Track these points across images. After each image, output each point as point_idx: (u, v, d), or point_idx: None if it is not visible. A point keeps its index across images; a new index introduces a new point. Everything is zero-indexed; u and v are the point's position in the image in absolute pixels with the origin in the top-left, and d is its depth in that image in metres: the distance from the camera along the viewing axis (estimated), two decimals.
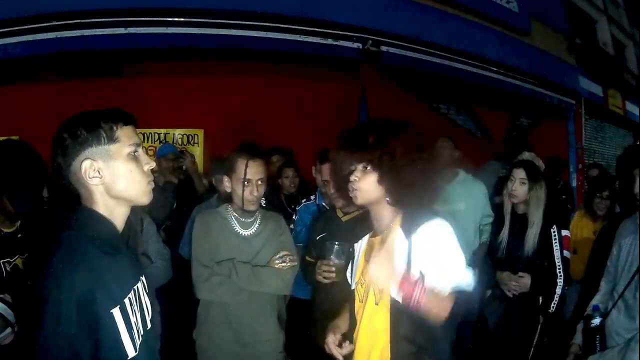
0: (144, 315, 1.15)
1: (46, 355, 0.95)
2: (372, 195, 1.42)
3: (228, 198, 2.10)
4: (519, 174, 2.55)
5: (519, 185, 2.54)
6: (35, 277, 1.00)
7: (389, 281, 1.33)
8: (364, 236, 1.60)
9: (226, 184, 2.03)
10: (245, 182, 1.96)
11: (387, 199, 1.42)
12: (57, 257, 1.00)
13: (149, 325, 1.17)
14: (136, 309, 1.10)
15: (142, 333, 1.11)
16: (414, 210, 1.43)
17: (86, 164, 1.07)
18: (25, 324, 1.02)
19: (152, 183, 1.16)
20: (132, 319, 1.07)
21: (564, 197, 4.49)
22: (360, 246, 1.60)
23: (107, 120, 1.10)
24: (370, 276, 1.37)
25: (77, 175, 1.08)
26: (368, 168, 1.40)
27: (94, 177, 1.08)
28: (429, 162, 1.41)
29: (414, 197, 1.39)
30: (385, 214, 1.47)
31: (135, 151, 1.13)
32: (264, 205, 2.14)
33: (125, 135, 1.11)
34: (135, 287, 1.13)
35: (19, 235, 1.88)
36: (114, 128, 1.10)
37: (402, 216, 1.44)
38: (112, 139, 1.09)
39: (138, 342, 1.07)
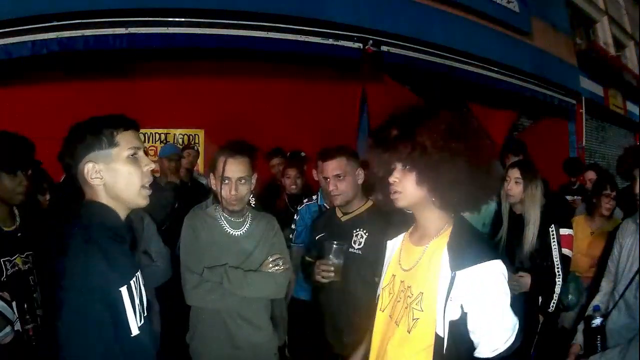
0: (142, 301, 1.24)
1: (74, 328, 1.06)
2: (414, 197, 1.24)
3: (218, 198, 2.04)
4: (514, 173, 2.57)
5: (514, 185, 2.56)
6: (50, 266, 1.13)
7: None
8: (395, 236, 1.43)
9: (212, 182, 1.99)
10: (225, 180, 1.91)
11: (433, 199, 1.23)
12: (75, 242, 1.12)
13: (145, 314, 1.25)
14: (139, 293, 1.21)
15: (144, 315, 1.21)
16: (466, 230, 1.24)
17: (88, 166, 1.20)
18: (46, 308, 1.20)
19: (148, 187, 1.25)
20: (136, 301, 1.18)
21: (579, 198, 4.47)
22: (394, 246, 1.42)
23: (108, 126, 1.21)
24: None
25: (81, 175, 1.21)
26: (407, 167, 1.22)
27: (95, 178, 1.20)
28: (473, 149, 1.19)
29: (464, 195, 1.19)
30: (433, 219, 1.27)
31: (135, 154, 1.23)
32: (253, 205, 2.09)
33: (125, 140, 1.22)
34: (137, 274, 1.23)
35: (19, 234, 1.88)
36: (114, 133, 1.21)
37: (452, 233, 1.24)
38: (112, 144, 1.21)
39: (139, 323, 1.17)
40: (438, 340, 1.18)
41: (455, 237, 1.23)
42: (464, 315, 1.17)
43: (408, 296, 1.26)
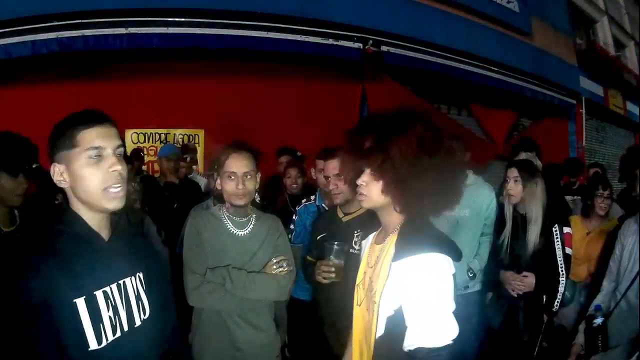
0: (131, 312, 1.16)
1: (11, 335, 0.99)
2: (378, 202, 1.29)
3: (221, 198, 2.01)
4: (512, 172, 2.57)
5: (513, 184, 2.55)
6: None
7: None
8: (369, 234, 1.49)
9: (217, 181, 1.97)
10: (231, 176, 1.90)
11: (394, 206, 1.27)
12: (24, 250, 1.07)
13: (138, 323, 1.17)
14: (118, 303, 1.12)
15: (125, 329, 1.12)
16: (414, 228, 1.25)
17: (54, 169, 1.13)
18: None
19: (118, 188, 1.13)
20: (107, 313, 1.08)
21: (579, 198, 4.47)
22: (365, 245, 1.49)
23: (69, 125, 1.12)
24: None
25: (52, 177, 1.14)
26: (375, 174, 1.25)
27: (60, 180, 1.13)
28: (441, 164, 1.21)
29: (423, 206, 1.23)
30: (391, 221, 1.32)
31: (98, 155, 1.11)
32: (257, 201, 2.08)
33: (85, 139, 1.10)
34: (121, 282, 1.14)
35: (19, 236, 1.86)
36: (75, 133, 1.11)
37: (400, 229, 1.28)
38: (72, 144, 1.11)
39: (108, 336, 1.08)
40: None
41: (402, 232, 1.26)
42: (399, 308, 1.18)
43: (370, 290, 1.32)
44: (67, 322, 1.02)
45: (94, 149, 1.10)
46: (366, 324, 1.34)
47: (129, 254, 1.22)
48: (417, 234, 1.23)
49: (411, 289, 1.16)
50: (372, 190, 1.27)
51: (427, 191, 1.20)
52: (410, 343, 1.16)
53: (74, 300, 1.03)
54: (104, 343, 1.07)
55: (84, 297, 1.05)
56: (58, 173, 1.12)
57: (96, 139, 1.11)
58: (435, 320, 1.15)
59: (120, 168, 1.13)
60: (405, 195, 1.21)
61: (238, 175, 1.90)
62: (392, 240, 1.29)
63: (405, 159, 1.18)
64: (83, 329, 1.04)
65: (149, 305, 1.22)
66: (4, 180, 1.78)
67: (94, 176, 1.11)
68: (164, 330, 1.27)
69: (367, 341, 1.32)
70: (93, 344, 1.05)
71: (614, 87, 9.66)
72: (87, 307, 1.05)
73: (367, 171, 1.27)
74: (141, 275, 1.22)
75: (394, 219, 1.31)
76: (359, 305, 1.40)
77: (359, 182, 1.29)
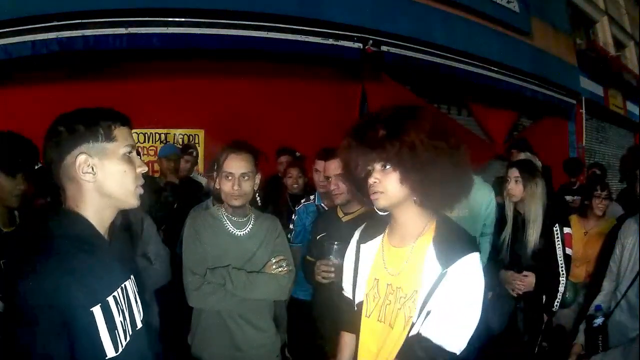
0: (133, 315, 1.14)
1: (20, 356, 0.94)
2: (396, 197, 1.23)
3: (220, 198, 2.01)
4: (513, 173, 2.59)
5: (514, 184, 2.57)
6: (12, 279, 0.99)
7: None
8: (370, 239, 1.41)
9: (214, 181, 1.98)
10: (228, 176, 1.90)
11: (414, 198, 1.24)
12: (32, 257, 1.00)
13: (139, 326, 1.16)
14: (124, 307, 1.10)
15: (130, 333, 1.10)
16: (450, 226, 1.25)
17: (81, 159, 1.06)
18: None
19: (141, 188, 1.15)
20: (118, 318, 1.06)
21: (580, 198, 4.47)
22: (371, 250, 1.39)
23: (106, 118, 1.10)
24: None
25: (69, 170, 1.07)
26: (387, 167, 1.21)
27: (87, 172, 1.07)
28: (456, 148, 1.20)
29: (445, 193, 1.22)
30: (414, 219, 1.27)
31: (130, 152, 1.13)
32: (259, 203, 2.07)
33: (122, 136, 1.11)
34: (123, 285, 1.12)
35: (21, 237, 1.86)
36: (112, 127, 1.10)
37: (436, 229, 1.24)
38: (109, 138, 1.09)
39: (122, 343, 1.06)
40: (412, 326, 1.20)
41: (443, 233, 1.23)
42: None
43: (401, 297, 1.25)
44: (83, 333, 0.98)
45: (130, 147, 1.12)
46: (386, 333, 1.28)
47: (125, 255, 1.22)
48: (458, 233, 1.24)
49: (459, 288, 1.15)
50: (389, 184, 1.22)
51: (444, 177, 1.18)
52: (427, 329, 1.16)
53: (91, 310, 1.00)
54: (120, 350, 1.05)
55: (100, 304, 1.02)
56: (85, 165, 1.06)
57: (130, 137, 1.14)
58: (463, 325, 1.16)
59: (146, 169, 1.17)
60: (425, 183, 1.18)
61: (235, 175, 1.90)
62: (423, 241, 1.25)
63: (422, 144, 1.16)
64: (100, 338, 1.01)
65: (149, 307, 1.24)
66: (1, 180, 1.77)
67: (130, 173, 1.12)
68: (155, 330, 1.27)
69: (391, 349, 1.25)
70: (110, 352, 1.02)
71: (614, 87, 9.65)
72: (103, 315, 1.02)
73: (378, 167, 1.23)
74: (133, 275, 1.21)
75: (415, 217, 1.27)
76: (368, 317, 1.34)
77: (371, 180, 1.24)
